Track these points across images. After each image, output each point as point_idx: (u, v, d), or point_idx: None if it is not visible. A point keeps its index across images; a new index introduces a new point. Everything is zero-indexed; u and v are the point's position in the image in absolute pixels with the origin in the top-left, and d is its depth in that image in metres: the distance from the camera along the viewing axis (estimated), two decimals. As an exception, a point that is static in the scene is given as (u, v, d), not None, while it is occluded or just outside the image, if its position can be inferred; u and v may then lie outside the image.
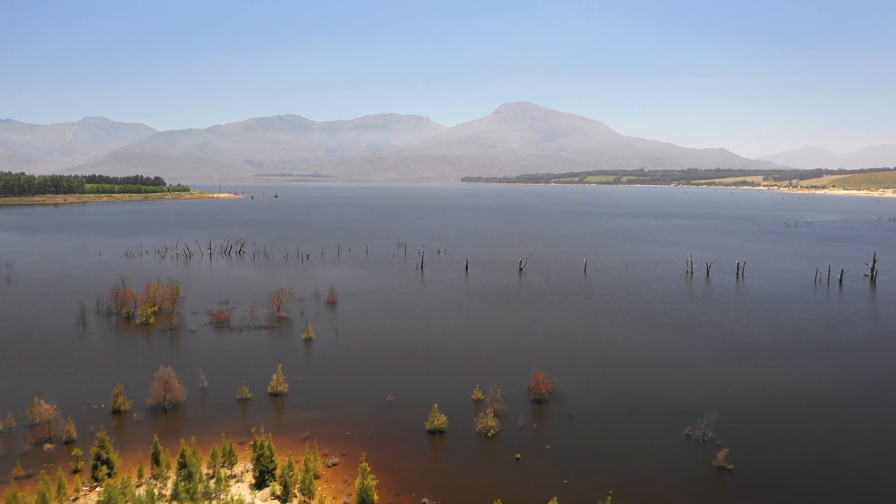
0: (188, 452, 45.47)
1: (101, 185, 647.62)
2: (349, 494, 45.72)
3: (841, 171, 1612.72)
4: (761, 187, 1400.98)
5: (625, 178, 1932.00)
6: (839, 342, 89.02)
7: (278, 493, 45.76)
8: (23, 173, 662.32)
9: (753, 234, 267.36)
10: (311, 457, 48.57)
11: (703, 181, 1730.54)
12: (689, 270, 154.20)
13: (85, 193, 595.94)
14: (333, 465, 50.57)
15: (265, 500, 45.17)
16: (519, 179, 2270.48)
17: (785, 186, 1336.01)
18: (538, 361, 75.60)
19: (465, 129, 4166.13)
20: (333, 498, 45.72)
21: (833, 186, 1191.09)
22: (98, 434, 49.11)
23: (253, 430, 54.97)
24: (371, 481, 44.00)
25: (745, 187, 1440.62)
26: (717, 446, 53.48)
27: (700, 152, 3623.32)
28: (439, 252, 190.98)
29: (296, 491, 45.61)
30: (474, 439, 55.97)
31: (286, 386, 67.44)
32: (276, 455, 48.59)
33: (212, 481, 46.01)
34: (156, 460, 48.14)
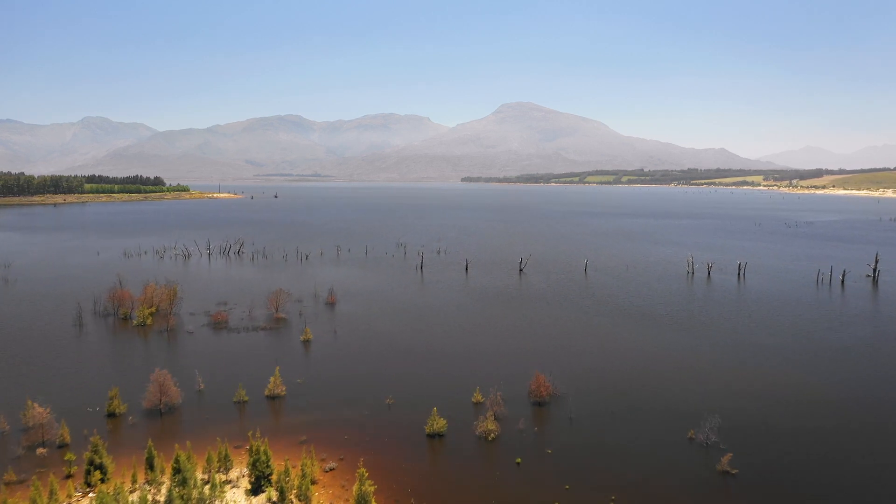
0: (182, 457, 44.63)
1: (100, 185, 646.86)
2: (347, 500, 44.90)
3: (841, 171, 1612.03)
4: (761, 187, 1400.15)
5: (625, 178, 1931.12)
6: (842, 343, 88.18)
7: (274, 499, 44.90)
8: (22, 173, 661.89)
9: (754, 235, 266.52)
10: (308, 462, 47.73)
11: (703, 181, 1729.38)
12: (690, 271, 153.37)
13: (84, 193, 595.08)
14: (331, 469, 49.73)
15: (261, 506, 44.33)
16: (519, 179, 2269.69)
17: (785, 186, 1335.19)
18: (538, 363, 74.78)
19: (465, 129, 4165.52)
20: (331, 504, 44.91)
21: (833, 186, 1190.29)
22: (91, 438, 48.27)
23: (249, 433, 54.14)
24: (369, 487, 43.14)
25: (745, 187, 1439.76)
26: (720, 450, 52.66)
27: (700, 152, 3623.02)
28: (439, 252, 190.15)
29: (292, 497, 44.77)
30: (474, 443, 55.13)
31: (284, 388, 66.60)
32: (272, 460, 47.73)
33: (207, 487, 45.16)
34: (150, 465, 47.28)
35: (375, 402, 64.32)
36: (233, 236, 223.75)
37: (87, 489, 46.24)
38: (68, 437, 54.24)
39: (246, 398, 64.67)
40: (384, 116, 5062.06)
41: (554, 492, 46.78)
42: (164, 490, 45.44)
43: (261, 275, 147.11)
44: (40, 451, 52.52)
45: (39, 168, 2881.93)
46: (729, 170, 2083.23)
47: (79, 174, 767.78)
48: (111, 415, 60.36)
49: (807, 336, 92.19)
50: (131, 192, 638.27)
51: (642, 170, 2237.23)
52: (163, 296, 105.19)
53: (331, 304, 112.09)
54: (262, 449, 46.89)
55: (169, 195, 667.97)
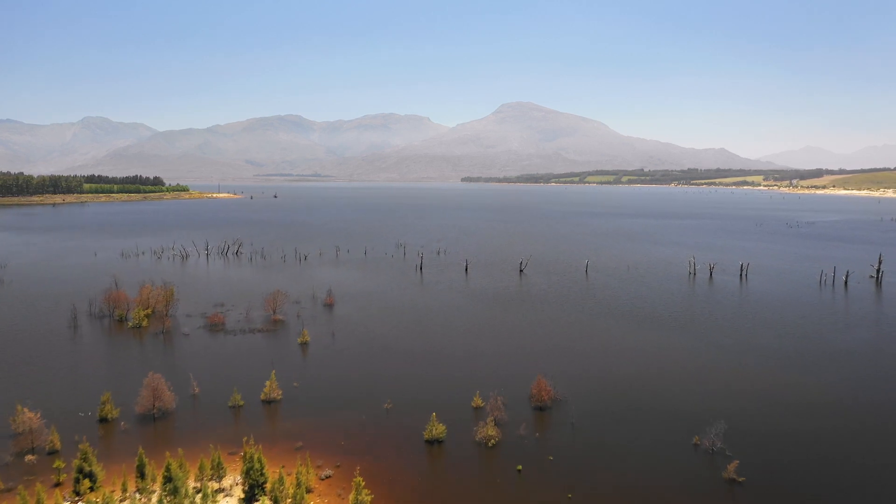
0: (174, 466, 43.35)
1: (99, 185, 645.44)
2: (343, 510, 43.61)
3: (841, 171, 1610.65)
4: (762, 187, 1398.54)
5: (625, 178, 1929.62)
6: (848, 345, 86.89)
7: (268, 508, 43.63)
8: (21, 173, 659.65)
9: (755, 235, 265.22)
10: (304, 469, 46.46)
11: (703, 181, 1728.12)
12: (692, 271, 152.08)
13: (83, 193, 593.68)
14: (327, 477, 48.44)
15: (255, 516, 43.06)
16: (519, 179, 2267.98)
17: (785, 186, 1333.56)
18: (539, 366, 73.50)
19: (465, 129, 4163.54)
20: (326, 513, 43.62)
21: (833, 186, 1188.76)
22: (80, 446, 46.92)
23: (244, 440, 52.87)
24: (366, 497, 41.91)
25: (745, 187, 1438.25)
26: (726, 457, 51.39)
27: (700, 152, 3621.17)
28: (439, 253, 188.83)
29: (287, 506, 43.47)
30: (474, 450, 53.84)
31: (280, 392, 65.29)
32: (266, 467, 46.43)
33: (198, 496, 43.88)
34: (141, 473, 46.00)
35: (373, 407, 63.03)
36: (231, 237, 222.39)
37: (76, 498, 44.94)
38: (58, 444, 52.92)
39: (241, 402, 63.38)
40: (384, 116, 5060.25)
41: (556, 500, 45.54)
42: (154, 499, 44.18)
43: (259, 276, 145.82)
44: (29, 458, 51.21)
45: (39, 168, 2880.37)
46: (729, 170, 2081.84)
47: (79, 174, 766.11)
48: (103, 420, 59.04)
49: (811, 338, 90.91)
50: (130, 192, 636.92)
51: (642, 170, 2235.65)
52: (159, 297, 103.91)
53: (329, 306, 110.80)
54: (255, 456, 45.60)
55: (168, 195, 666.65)
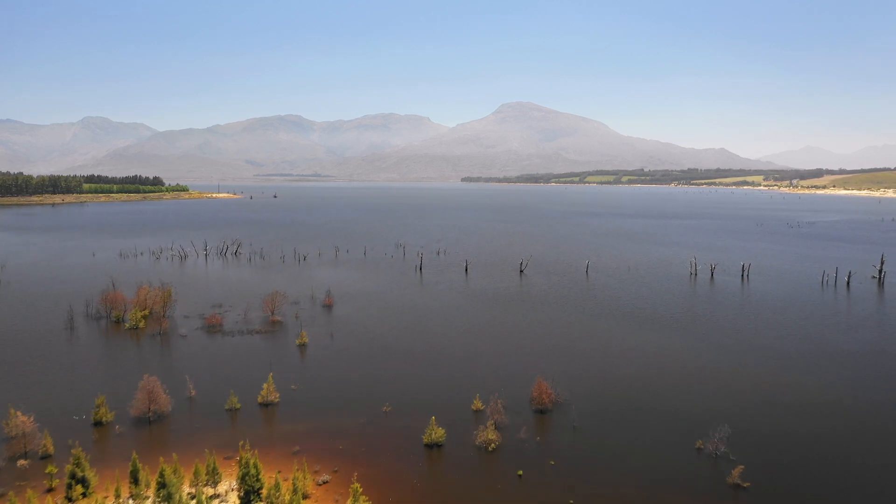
0: (168, 471, 42.52)
1: (99, 185, 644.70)
2: (340, 516, 42.77)
3: (841, 171, 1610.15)
4: (762, 187, 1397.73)
5: (625, 178, 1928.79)
6: (852, 346, 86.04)
7: (264, 514, 42.80)
8: (21, 173, 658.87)
9: (756, 235, 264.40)
10: (300, 475, 45.61)
11: (703, 181, 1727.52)
12: (693, 272, 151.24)
13: (83, 193, 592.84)
14: (324, 482, 47.60)
15: (250, 523, 42.21)
16: (519, 179, 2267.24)
17: (785, 186, 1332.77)
18: (540, 367, 72.65)
19: (465, 129, 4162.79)
20: (323, 520, 42.78)
21: (834, 186, 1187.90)
22: (73, 451, 46.03)
23: (241, 444, 52.06)
24: (363, 503, 41.03)
25: (745, 187, 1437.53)
26: (730, 461, 50.55)
27: (700, 152, 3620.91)
28: (439, 253, 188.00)
29: (283, 512, 42.63)
30: (474, 454, 52.98)
31: (277, 395, 64.44)
32: (262, 473, 45.57)
33: (193, 502, 43.05)
34: (134, 479, 45.12)
35: (372, 410, 62.17)
36: (230, 237, 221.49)
37: (69, 504, 44.08)
38: (52, 448, 52.07)
39: (238, 405, 62.53)
40: (384, 116, 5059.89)
41: (557, 506, 44.67)
42: (148, 505, 43.32)
43: (257, 276, 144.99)
44: (21, 462, 50.35)
45: (39, 168, 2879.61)
46: (729, 170, 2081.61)
47: (78, 174, 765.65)
48: (98, 423, 58.17)
49: (814, 339, 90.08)
50: (130, 192, 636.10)
51: (642, 170, 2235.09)
52: (156, 298, 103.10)
53: (328, 307, 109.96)
54: (251, 462, 44.75)
55: (168, 195, 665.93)
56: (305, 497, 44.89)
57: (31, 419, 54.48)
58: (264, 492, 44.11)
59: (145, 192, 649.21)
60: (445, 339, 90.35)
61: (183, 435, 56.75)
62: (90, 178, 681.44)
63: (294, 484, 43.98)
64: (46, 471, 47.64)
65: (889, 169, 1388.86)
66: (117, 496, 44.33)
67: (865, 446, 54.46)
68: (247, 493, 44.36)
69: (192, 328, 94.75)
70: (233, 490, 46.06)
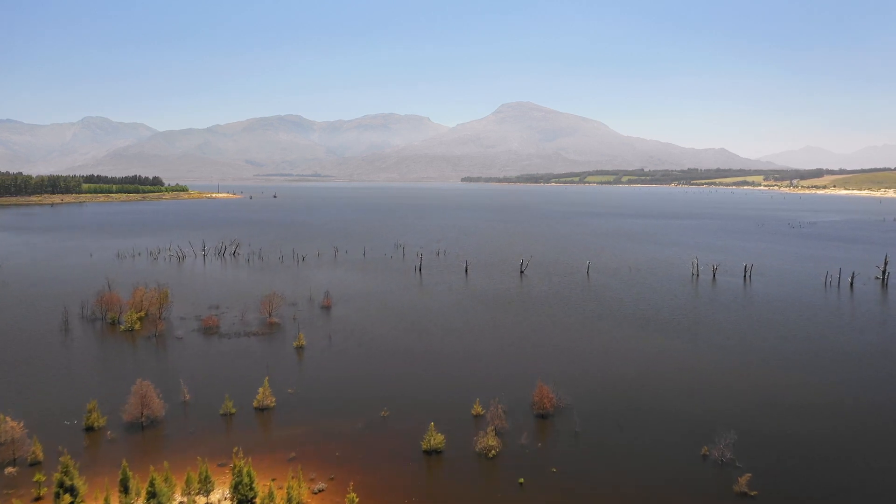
0: (158, 480, 41.28)
1: (98, 185, 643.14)
2: (336, 526, 41.51)
3: (841, 171, 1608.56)
4: (762, 187, 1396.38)
5: (625, 178, 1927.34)
6: (858, 349, 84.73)
7: (258, 524, 41.55)
8: (20, 173, 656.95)
9: (757, 235, 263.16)
10: (295, 483, 44.30)
11: (703, 181, 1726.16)
12: (695, 273, 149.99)
13: (82, 193, 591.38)
14: (320, 491, 46.33)
15: (243, 533, 40.93)
16: (519, 179, 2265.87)
17: (786, 186, 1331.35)
18: (541, 370, 71.37)
19: (465, 129, 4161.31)
20: (319, 530, 41.52)
21: (834, 186, 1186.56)
22: (61, 459, 44.72)
23: (235, 450, 50.76)
24: (359, 513, 39.78)
25: (745, 187, 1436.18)
26: (737, 468, 49.29)
27: (700, 152, 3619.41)
28: (438, 253, 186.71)
29: (277, 522, 41.38)
30: (474, 461, 51.70)
31: (273, 400, 63.16)
32: (256, 481, 44.32)
33: (184, 512, 41.80)
34: (124, 487, 43.85)
35: (370, 415, 60.90)
36: (229, 237, 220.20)
37: (56, 513, 42.80)
38: (41, 455, 50.79)
39: (233, 410, 61.25)
40: (384, 116, 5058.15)
41: (560, 516, 43.41)
42: (138, 515, 42.05)
43: (256, 277, 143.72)
44: (9, 470, 49.07)
45: (39, 168, 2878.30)
46: (729, 170, 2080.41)
47: (78, 174, 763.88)
48: (89, 429, 56.90)
49: (820, 341, 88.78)
50: (129, 192, 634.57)
51: (642, 170, 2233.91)
52: (153, 299, 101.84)
53: (326, 308, 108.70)
54: (245, 470, 43.51)
55: (167, 195, 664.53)
56: (300, 506, 43.61)
57: (21, 425, 53.27)
58: (258, 501, 42.89)
59: (144, 192, 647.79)
60: (445, 340, 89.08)
61: (176, 441, 55.49)
62: (89, 178, 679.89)
63: (289, 493, 42.75)
64: (34, 479, 46.42)
65: (889, 169, 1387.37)
66: (107, 505, 43.03)
67: (876, 452, 53.17)
68: (240, 502, 43.11)
69: (189, 330, 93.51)
70: (226, 499, 44.79)
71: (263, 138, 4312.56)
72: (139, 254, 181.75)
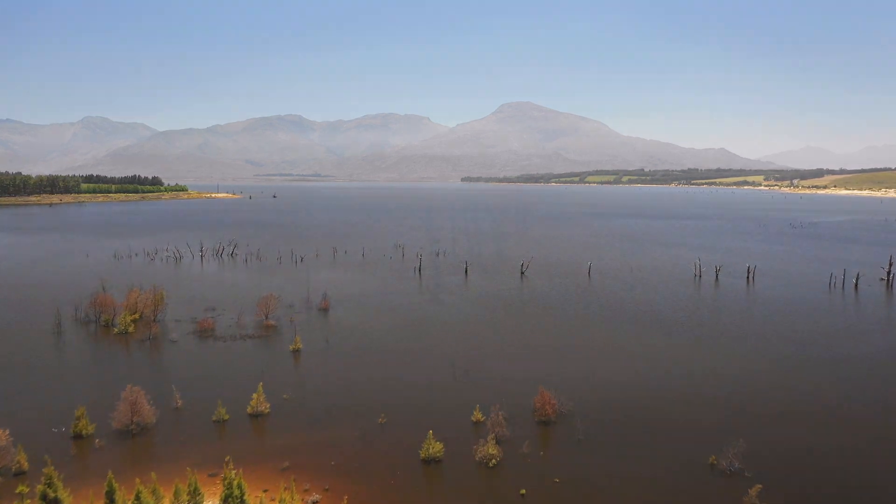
0: (144, 493, 39.56)
1: (97, 184, 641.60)
2: (330, 541, 39.81)
3: (842, 171, 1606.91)
4: (762, 187, 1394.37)
5: (625, 178, 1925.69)
6: (865, 352, 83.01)
7: (249, 538, 39.85)
8: (19, 173, 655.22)
9: (759, 235, 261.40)
10: (288, 495, 42.61)
11: (703, 181, 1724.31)
12: (698, 274, 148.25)
13: (81, 193, 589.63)
14: (314, 503, 44.62)
15: (233, 548, 39.25)
16: (519, 179, 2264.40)
17: (786, 186, 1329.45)
18: (542, 374, 69.68)
19: (465, 129, 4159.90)
20: (312, 545, 39.82)
21: (835, 186, 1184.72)
22: (45, 469, 42.92)
23: (227, 458, 49.00)
24: (354, 528, 38.07)
25: (746, 187, 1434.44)
26: (745, 479, 47.60)
27: (700, 152, 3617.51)
28: (438, 254, 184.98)
29: (268, 537, 39.67)
30: (474, 470, 49.99)
31: (268, 406, 61.42)
32: (247, 493, 42.55)
33: (172, 526, 40.09)
34: (110, 500, 42.08)
35: (367, 422, 59.18)
36: (227, 238, 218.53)
37: (39, 527, 41.07)
38: (26, 464, 49.07)
39: (226, 417, 59.53)
40: (384, 116, 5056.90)
41: (563, 530, 41.72)
42: (124, 529, 40.31)
43: (253, 278, 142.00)
44: (-8, 480, 47.42)
45: (39, 168, 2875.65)
46: (729, 170, 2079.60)
47: (78, 174, 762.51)
48: (77, 436, 55.16)
49: (826, 344, 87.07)
50: (128, 192, 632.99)
51: (642, 170, 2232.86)
52: (147, 301, 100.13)
53: (324, 310, 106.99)
54: (235, 482, 41.76)
55: (167, 195, 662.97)
56: (293, 520, 41.92)
57: (7, 433, 51.53)
58: (249, 514, 41.14)
59: (144, 192, 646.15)
60: (444, 344, 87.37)
61: (166, 449, 53.77)
62: (89, 178, 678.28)
63: (281, 506, 41.03)
64: (17, 490, 44.60)
65: (890, 169, 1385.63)
66: (91, 519, 41.36)
67: (893, 462, 51.42)
68: (230, 515, 41.36)
69: (183, 333, 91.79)
70: (216, 512, 43.10)
71: (263, 138, 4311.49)
72: (136, 254, 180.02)
